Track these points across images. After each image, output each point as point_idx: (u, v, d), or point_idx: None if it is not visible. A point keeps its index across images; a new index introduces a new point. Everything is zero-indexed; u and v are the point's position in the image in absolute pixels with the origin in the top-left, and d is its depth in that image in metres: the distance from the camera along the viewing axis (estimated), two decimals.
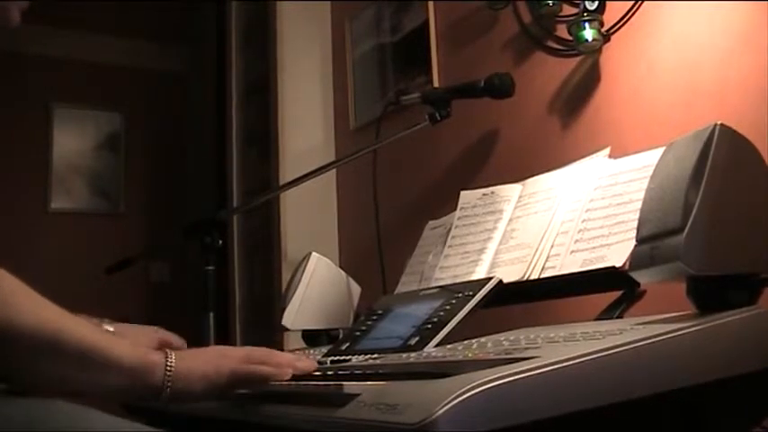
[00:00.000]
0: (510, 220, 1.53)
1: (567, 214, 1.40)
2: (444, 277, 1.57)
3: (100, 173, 4.36)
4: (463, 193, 1.68)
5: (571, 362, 0.79)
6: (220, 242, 1.96)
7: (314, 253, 1.90)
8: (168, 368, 0.99)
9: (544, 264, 1.38)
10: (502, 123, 2.00)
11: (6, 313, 0.90)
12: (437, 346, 1.17)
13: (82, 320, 0.98)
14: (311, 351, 1.64)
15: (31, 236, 3.94)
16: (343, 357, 1.26)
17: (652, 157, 1.18)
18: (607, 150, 1.44)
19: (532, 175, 1.56)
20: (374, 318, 1.41)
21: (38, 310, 0.94)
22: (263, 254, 2.87)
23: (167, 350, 1.02)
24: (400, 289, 1.74)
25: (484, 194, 1.63)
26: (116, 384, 0.98)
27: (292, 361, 1.07)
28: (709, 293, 0.92)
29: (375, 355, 1.20)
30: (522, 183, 1.58)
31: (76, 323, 0.97)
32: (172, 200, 4.35)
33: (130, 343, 1.03)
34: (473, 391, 0.72)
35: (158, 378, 0.98)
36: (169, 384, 0.98)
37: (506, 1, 1.96)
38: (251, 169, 3.06)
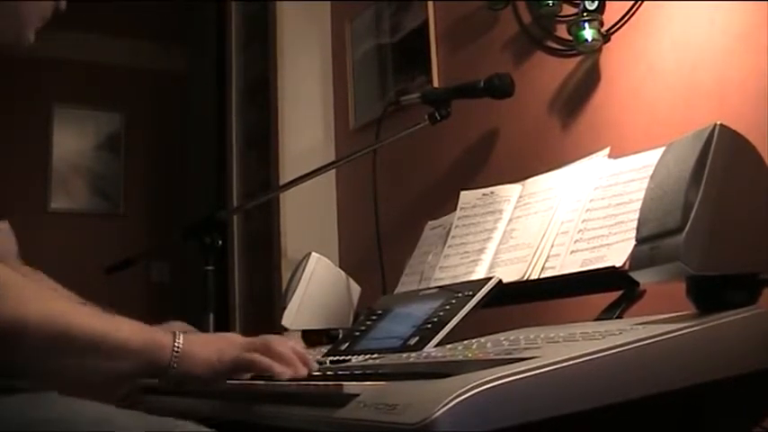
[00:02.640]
0: (510, 220, 1.53)
1: (567, 214, 1.40)
2: (444, 277, 1.57)
3: (100, 173, 4.36)
4: (463, 193, 1.68)
5: (571, 362, 0.79)
6: (220, 242, 1.96)
7: (314, 253, 1.90)
8: (176, 348, 1.01)
9: (544, 264, 1.38)
10: (502, 123, 2.00)
11: (15, 309, 0.92)
12: (437, 346, 1.17)
13: (88, 309, 1.00)
14: (311, 351, 1.64)
15: (31, 236, 3.93)
16: (342, 357, 1.26)
17: (652, 157, 1.18)
18: (607, 150, 1.44)
19: (532, 175, 1.56)
20: (374, 318, 1.41)
21: (46, 304, 0.95)
22: (263, 254, 2.87)
23: (176, 331, 1.04)
24: (400, 289, 1.74)
25: (484, 194, 1.63)
26: (127, 367, 1.00)
27: (294, 356, 1.07)
28: (710, 293, 0.92)
29: (375, 356, 1.20)
30: (522, 183, 1.58)
31: (84, 312, 0.99)
32: (172, 200, 4.35)
33: (138, 324, 1.04)
34: (473, 391, 0.72)
35: (166, 357, 1.01)
36: (175, 364, 1.01)
37: (506, 1, 1.96)
38: (251, 169, 3.06)
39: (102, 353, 0.97)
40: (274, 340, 1.10)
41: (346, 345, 1.36)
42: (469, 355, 0.99)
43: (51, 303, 0.97)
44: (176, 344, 1.01)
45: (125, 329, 1.00)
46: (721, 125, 0.93)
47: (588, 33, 1.68)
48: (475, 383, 0.73)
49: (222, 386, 1.08)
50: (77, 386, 1.01)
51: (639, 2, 1.65)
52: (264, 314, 2.77)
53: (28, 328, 0.92)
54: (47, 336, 0.94)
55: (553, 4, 1.82)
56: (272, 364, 1.04)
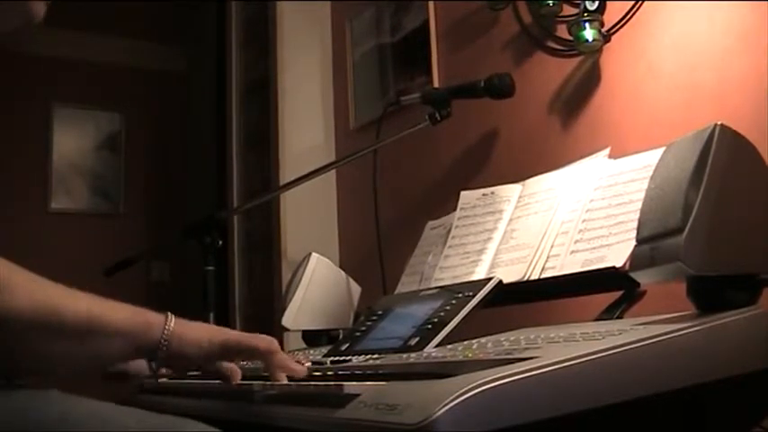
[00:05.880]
0: (510, 220, 1.53)
1: (567, 214, 1.40)
2: (444, 277, 1.57)
3: (100, 173, 4.36)
4: (463, 194, 1.68)
5: (571, 362, 0.79)
6: (220, 242, 1.96)
7: (314, 253, 1.90)
8: (166, 329, 1.02)
9: (544, 264, 1.38)
10: (502, 123, 2.00)
11: (4, 296, 0.91)
12: (437, 346, 1.17)
13: (80, 294, 1.00)
14: (311, 351, 1.64)
15: (31, 236, 3.93)
16: (343, 357, 1.26)
17: (652, 158, 1.18)
18: (607, 150, 1.44)
19: (532, 175, 1.56)
20: (374, 318, 1.41)
21: (35, 290, 0.95)
22: (263, 254, 2.87)
23: (169, 313, 1.04)
24: (400, 289, 1.74)
25: (484, 194, 1.63)
26: (118, 350, 1.01)
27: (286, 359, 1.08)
28: (710, 294, 0.92)
29: (375, 356, 1.20)
30: (522, 183, 1.58)
31: (74, 297, 0.98)
32: (172, 200, 4.35)
33: (130, 306, 1.04)
34: (473, 392, 0.72)
35: (156, 337, 1.01)
36: (165, 344, 1.01)
37: (506, 1, 1.96)
38: (251, 169, 3.06)
39: (93, 333, 0.98)
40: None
41: (347, 345, 1.36)
42: (470, 355, 0.99)
43: (41, 287, 0.97)
44: (167, 324, 1.02)
45: (117, 310, 1.01)
46: (721, 125, 0.93)
47: (589, 33, 1.68)
48: (475, 383, 0.73)
49: (211, 371, 1.08)
50: (70, 372, 1.02)
51: (639, 2, 1.65)
52: (264, 314, 2.77)
53: (19, 315, 0.92)
54: (38, 319, 0.94)
55: (553, 4, 1.82)
56: (259, 344, 1.05)
